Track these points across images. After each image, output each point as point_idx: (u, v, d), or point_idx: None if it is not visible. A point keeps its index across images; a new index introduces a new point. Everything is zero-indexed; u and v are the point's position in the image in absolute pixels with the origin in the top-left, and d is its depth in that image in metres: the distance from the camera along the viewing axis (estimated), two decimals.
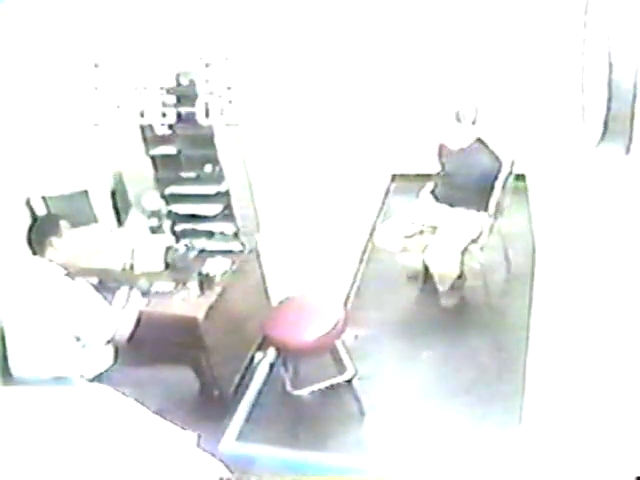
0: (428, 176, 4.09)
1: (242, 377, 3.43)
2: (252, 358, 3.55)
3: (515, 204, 4.01)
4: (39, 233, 2.58)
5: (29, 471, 1.74)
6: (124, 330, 2.63)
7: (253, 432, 3.19)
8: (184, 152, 3.28)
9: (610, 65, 1.90)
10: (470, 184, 3.64)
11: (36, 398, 2.03)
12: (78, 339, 2.52)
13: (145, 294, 2.95)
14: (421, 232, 3.93)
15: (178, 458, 2.03)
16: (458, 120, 3.63)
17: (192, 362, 2.98)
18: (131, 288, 2.87)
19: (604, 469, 1.71)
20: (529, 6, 3.48)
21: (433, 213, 3.90)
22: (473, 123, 3.66)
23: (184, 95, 2.96)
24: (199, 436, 2.14)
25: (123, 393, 2.15)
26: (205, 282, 3.11)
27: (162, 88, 2.98)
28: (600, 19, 2.09)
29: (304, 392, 3.13)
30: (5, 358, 2.51)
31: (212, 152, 3.15)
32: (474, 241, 3.74)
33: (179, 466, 2.01)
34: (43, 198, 3.00)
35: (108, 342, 2.60)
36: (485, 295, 3.93)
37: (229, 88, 2.90)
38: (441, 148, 3.90)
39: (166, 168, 3.35)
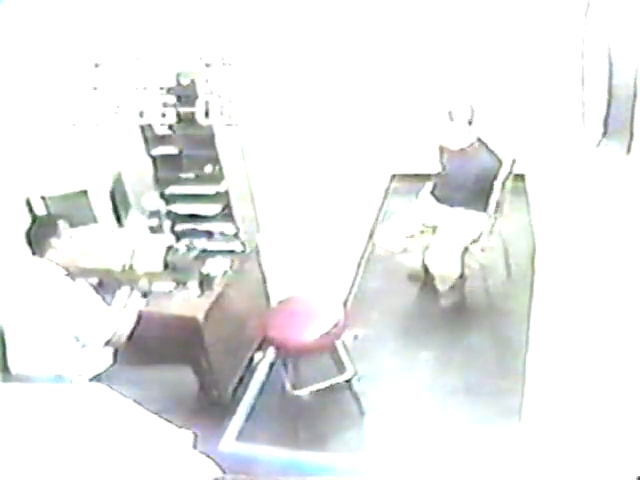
0: (428, 176, 4.09)
1: (242, 377, 3.43)
2: (252, 358, 3.55)
3: (515, 204, 4.01)
4: (38, 233, 2.58)
5: (26, 468, 1.74)
6: (123, 330, 2.63)
7: (253, 432, 3.19)
8: (184, 152, 3.28)
9: (610, 65, 1.91)
10: (470, 184, 3.64)
11: (34, 396, 2.03)
12: (77, 339, 2.52)
13: (145, 294, 2.95)
14: (421, 232, 3.93)
15: (173, 458, 2.03)
16: (451, 119, 3.63)
17: (192, 362, 2.99)
18: (131, 288, 2.87)
19: (604, 469, 1.71)
20: (530, 6, 3.49)
21: (433, 213, 3.90)
22: (470, 123, 3.66)
23: (184, 95, 2.96)
24: (195, 435, 2.14)
25: (123, 393, 2.15)
26: (205, 282, 3.11)
27: (162, 88, 2.98)
28: (600, 20, 2.09)
29: (304, 392, 3.13)
30: (5, 355, 2.51)
31: (212, 152, 3.15)
32: (474, 241, 3.74)
33: (173, 465, 2.01)
34: (43, 198, 3.00)
35: (107, 342, 2.60)
36: (485, 295, 3.93)
37: (229, 88, 2.90)
38: (441, 148, 3.89)
39: (166, 168, 3.35)
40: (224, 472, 2.21)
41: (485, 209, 3.70)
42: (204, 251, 3.30)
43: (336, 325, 2.99)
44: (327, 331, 2.96)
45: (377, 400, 3.23)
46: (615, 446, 1.67)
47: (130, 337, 2.65)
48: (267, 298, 3.62)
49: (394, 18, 4.61)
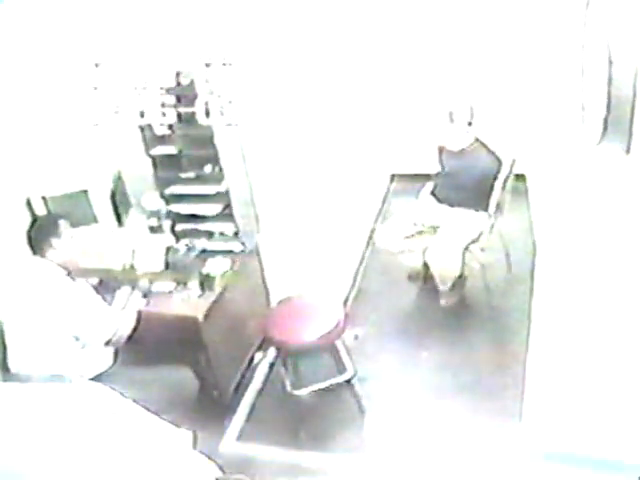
0: (428, 176, 4.09)
1: (242, 377, 3.43)
2: (252, 358, 3.55)
3: (515, 204, 4.01)
4: (38, 233, 2.58)
5: (25, 468, 1.74)
6: (123, 330, 2.63)
7: (253, 432, 3.19)
8: (184, 152, 3.28)
9: (610, 65, 1.91)
10: (470, 184, 3.64)
11: (34, 395, 2.03)
12: (77, 339, 2.52)
13: (145, 294, 2.95)
14: (421, 232, 3.93)
15: (172, 458, 2.03)
16: (451, 121, 3.64)
17: (192, 362, 2.98)
18: (131, 288, 2.87)
19: (604, 469, 1.72)
20: (529, 7, 3.49)
21: (433, 213, 3.90)
22: (469, 124, 3.66)
23: (184, 95, 2.96)
24: (195, 435, 2.14)
25: (123, 393, 2.15)
26: (205, 282, 3.11)
27: (162, 88, 2.98)
28: (600, 19, 2.09)
29: (304, 392, 3.13)
30: (4, 355, 2.51)
31: (212, 152, 3.15)
32: (474, 241, 3.74)
33: (173, 466, 2.01)
34: (43, 198, 3.00)
35: (107, 342, 2.60)
36: (485, 295, 3.93)
37: (229, 88, 2.90)
38: (440, 149, 3.90)
39: (166, 168, 3.35)
40: (224, 472, 2.22)
41: (485, 209, 3.71)
42: (204, 251, 3.30)
43: (336, 325, 2.99)
44: (327, 331, 2.96)
45: (377, 400, 3.23)
46: (615, 446, 1.67)
47: (130, 337, 2.65)
48: (267, 298, 3.62)
49: (394, 19, 4.61)
